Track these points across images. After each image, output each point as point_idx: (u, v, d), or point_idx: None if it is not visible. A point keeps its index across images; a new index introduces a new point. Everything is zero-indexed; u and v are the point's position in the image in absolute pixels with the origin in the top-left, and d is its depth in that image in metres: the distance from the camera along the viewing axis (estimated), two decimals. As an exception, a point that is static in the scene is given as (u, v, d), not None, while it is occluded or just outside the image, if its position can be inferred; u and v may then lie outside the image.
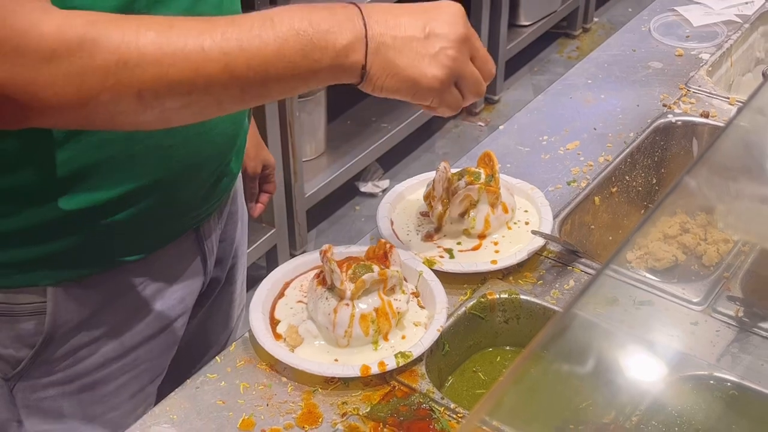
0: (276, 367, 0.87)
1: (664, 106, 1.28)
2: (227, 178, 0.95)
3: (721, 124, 1.22)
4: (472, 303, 0.95)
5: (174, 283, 0.93)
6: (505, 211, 1.02)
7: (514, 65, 2.94)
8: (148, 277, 0.89)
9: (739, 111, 0.87)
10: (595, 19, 3.29)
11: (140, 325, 0.91)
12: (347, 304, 0.87)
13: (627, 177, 1.21)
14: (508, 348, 0.98)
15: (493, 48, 2.71)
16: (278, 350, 0.86)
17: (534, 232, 1.01)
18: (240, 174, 1.02)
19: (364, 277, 0.86)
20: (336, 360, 0.87)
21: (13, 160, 0.76)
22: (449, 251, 1.00)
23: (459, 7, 0.77)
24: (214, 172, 0.90)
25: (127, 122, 0.69)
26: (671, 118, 1.26)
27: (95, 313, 0.86)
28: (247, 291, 2.02)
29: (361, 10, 0.72)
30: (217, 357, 0.89)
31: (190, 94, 0.67)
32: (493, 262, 0.97)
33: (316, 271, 0.94)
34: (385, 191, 2.40)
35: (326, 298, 0.88)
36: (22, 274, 0.82)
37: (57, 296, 0.83)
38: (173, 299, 0.93)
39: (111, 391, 0.92)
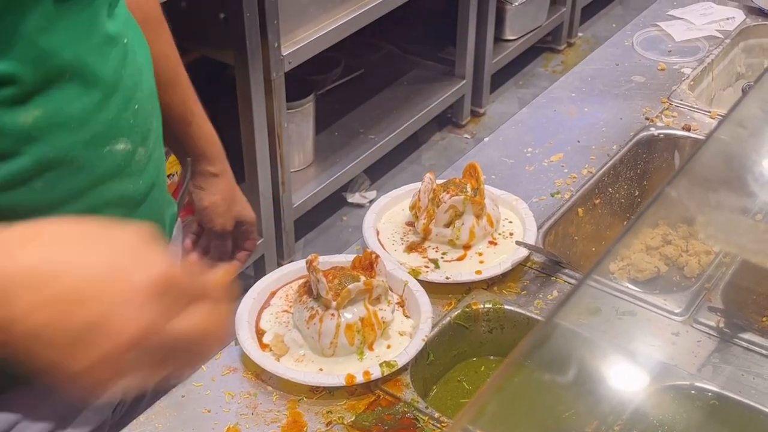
0: (261, 376, 0.88)
1: (647, 119, 1.30)
2: None
3: (703, 138, 1.24)
4: (456, 313, 0.96)
5: (79, 412, 0.80)
6: (490, 222, 1.03)
7: (499, 79, 2.96)
8: (45, 406, 0.77)
9: (720, 124, 0.88)
10: (580, 34, 3.32)
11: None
12: (333, 314, 0.87)
13: (610, 189, 1.22)
14: (492, 357, 0.99)
15: (479, 62, 2.74)
16: (263, 359, 0.87)
17: (518, 243, 1.02)
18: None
19: (349, 286, 0.87)
20: (321, 369, 0.87)
21: None
22: (434, 261, 1.00)
23: (153, 271, 0.52)
24: None
25: None
26: (653, 131, 1.28)
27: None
28: (234, 300, 2.01)
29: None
30: (202, 366, 0.90)
31: None
32: (478, 272, 0.98)
33: (301, 280, 0.95)
34: (372, 202, 2.41)
35: (312, 308, 0.88)
36: None
37: None
38: (88, 412, 0.81)
39: None
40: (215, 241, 1.05)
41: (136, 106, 0.76)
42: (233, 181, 1.04)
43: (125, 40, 0.76)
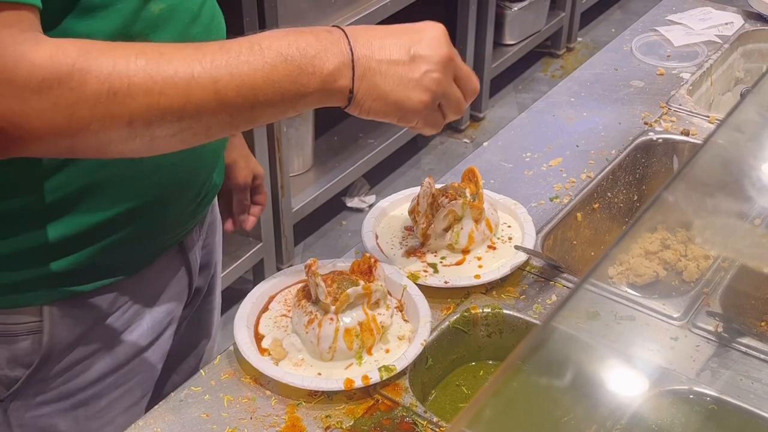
0: (260, 380, 0.88)
1: (646, 124, 1.31)
2: (212, 191, 0.96)
3: (701, 142, 1.24)
4: (455, 317, 0.96)
5: (162, 295, 0.94)
6: (489, 226, 1.03)
7: (499, 83, 2.97)
8: (138, 291, 0.91)
9: (717, 128, 0.88)
10: (579, 39, 3.33)
11: (132, 339, 0.92)
12: (331, 319, 0.87)
13: (609, 193, 1.23)
14: (491, 362, 0.99)
15: (478, 66, 2.74)
16: (262, 363, 0.87)
17: (517, 248, 1.02)
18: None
19: (348, 291, 0.87)
20: (320, 374, 0.87)
21: (8, 186, 0.77)
22: (433, 266, 1.01)
23: (442, 28, 0.78)
24: (203, 187, 0.92)
25: (116, 151, 0.69)
26: (652, 135, 1.28)
27: (90, 329, 0.87)
28: (233, 305, 2.02)
29: (346, 34, 0.74)
30: (201, 370, 0.90)
31: (181, 120, 0.68)
32: (477, 276, 0.98)
33: (300, 285, 0.95)
34: (371, 206, 2.41)
35: (311, 312, 0.88)
36: (18, 295, 0.82)
37: (53, 315, 0.84)
38: (162, 311, 0.94)
39: (105, 406, 0.92)
40: (238, 195, 1.13)
41: (219, 20, 0.88)
42: (244, 139, 1.13)
43: None
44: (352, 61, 0.73)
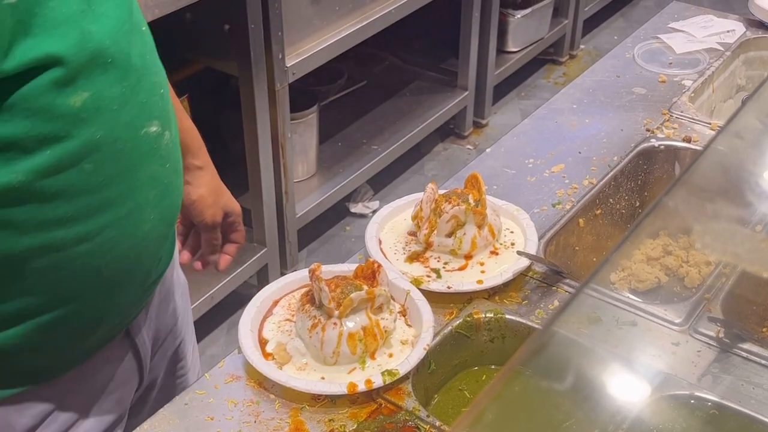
0: (264, 384, 0.88)
1: (647, 130, 1.31)
2: (158, 276, 0.88)
3: (702, 149, 1.25)
4: (458, 322, 0.97)
5: (109, 385, 0.88)
6: (492, 232, 1.04)
7: (502, 90, 2.97)
8: (82, 384, 0.84)
9: (717, 135, 0.89)
10: (582, 46, 3.33)
11: None
12: (335, 323, 0.88)
13: (611, 200, 1.23)
14: (493, 367, 0.99)
15: (481, 73, 2.75)
16: (266, 367, 0.87)
17: (519, 253, 1.03)
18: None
19: (351, 295, 0.88)
20: (323, 378, 0.88)
21: None
22: (436, 271, 1.01)
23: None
24: (146, 278, 0.85)
25: None
26: (654, 142, 1.28)
27: (31, 427, 0.81)
28: (238, 309, 2.02)
29: None
30: (206, 374, 0.90)
31: None
32: (479, 282, 0.99)
33: (304, 289, 0.96)
34: (374, 212, 2.41)
35: (314, 317, 0.89)
36: None
37: None
38: (110, 401, 0.88)
39: None
40: (206, 234, 1.05)
41: (162, 91, 0.80)
42: (216, 173, 1.05)
43: (143, 28, 0.79)
44: None
